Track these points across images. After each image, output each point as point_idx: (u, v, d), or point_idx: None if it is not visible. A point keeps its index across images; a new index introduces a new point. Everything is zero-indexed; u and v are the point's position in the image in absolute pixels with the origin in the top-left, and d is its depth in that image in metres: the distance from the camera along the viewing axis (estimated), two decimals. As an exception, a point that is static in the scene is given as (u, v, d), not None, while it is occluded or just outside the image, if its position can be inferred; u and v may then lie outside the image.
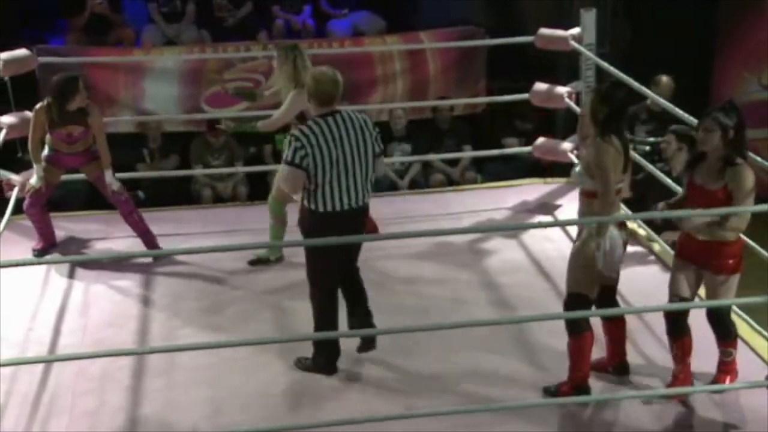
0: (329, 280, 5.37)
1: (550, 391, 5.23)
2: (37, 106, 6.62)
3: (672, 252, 5.62)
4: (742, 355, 5.52)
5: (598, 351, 5.34)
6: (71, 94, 6.52)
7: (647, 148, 7.87)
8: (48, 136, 6.69)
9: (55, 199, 7.09)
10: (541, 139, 8.21)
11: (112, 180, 6.77)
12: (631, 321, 5.58)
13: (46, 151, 6.75)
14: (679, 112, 6.20)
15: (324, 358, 5.48)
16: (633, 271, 6.14)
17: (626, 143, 5.14)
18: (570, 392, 5.13)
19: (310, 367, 5.50)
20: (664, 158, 7.15)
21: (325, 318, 5.41)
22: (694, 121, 5.58)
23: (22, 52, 7.21)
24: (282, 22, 10.78)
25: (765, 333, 5.66)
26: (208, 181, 9.31)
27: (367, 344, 5.47)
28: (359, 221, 5.29)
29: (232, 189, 9.24)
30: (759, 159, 5.48)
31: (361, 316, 5.49)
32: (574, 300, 5.11)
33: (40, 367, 5.52)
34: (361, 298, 5.53)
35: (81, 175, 7.00)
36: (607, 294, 5.23)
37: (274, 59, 6.50)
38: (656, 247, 6.70)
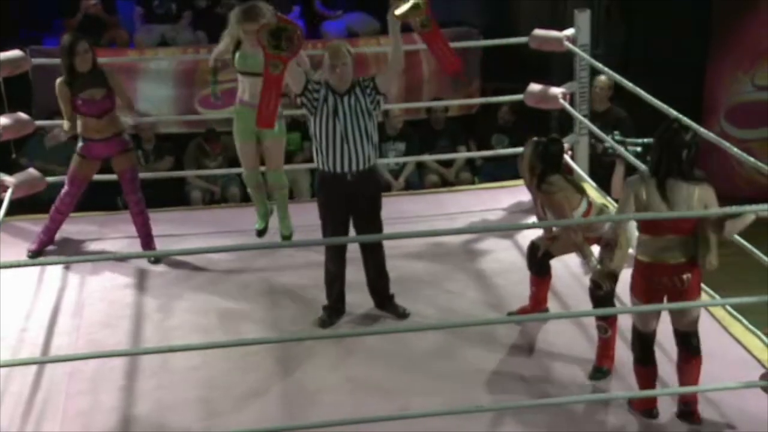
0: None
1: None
2: (57, 81, 6.56)
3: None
4: (736, 356, 5.54)
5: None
6: (75, 50, 6.45)
7: (638, 149, 7.87)
8: (78, 121, 6.61)
9: (48, 201, 7.07)
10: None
11: (132, 119, 7.11)
12: (625, 322, 5.58)
13: (79, 142, 6.72)
14: (672, 110, 6.16)
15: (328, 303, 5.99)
16: (627, 273, 6.13)
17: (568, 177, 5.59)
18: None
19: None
20: None
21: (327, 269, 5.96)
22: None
23: (15, 53, 7.19)
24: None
25: (759, 333, 5.67)
26: (200, 183, 9.31)
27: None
28: None
29: (222, 191, 9.26)
30: (752, 160, 5.49)
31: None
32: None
33: (34, 367, 5.51)
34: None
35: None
36: None
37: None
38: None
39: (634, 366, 5.09)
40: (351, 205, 5.79)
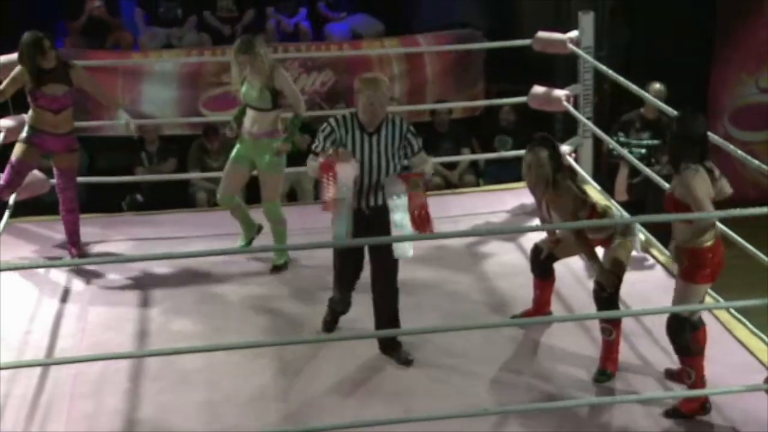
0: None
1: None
2: (18, 68, 6.62)
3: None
4: (740, 359, 5.54)
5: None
6: (41, 48, 6.50)
7: (643, 151, 7.86)
8: (32, 113, 6.65)
9: (52, 203, 7.08)
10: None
11: (127, 118, 6.84)
12: (629, 324, 5.59)
13: (26, 131, 6.70)
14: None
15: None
16: (631, 275, 6.16)
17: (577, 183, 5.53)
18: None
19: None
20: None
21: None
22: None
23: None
24: (274, 23, 10.78)
25: (763, 336, 5.67)
26: (204, 184, 9.32)
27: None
28: None
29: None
30: (756, 162, 5.49)
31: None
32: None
33: (38, 370, 5.51)
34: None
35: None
36: None
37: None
38: (655, 251, 6.70)
39: (692, 360, 4.98)
40: (366, 234, 5.35)
